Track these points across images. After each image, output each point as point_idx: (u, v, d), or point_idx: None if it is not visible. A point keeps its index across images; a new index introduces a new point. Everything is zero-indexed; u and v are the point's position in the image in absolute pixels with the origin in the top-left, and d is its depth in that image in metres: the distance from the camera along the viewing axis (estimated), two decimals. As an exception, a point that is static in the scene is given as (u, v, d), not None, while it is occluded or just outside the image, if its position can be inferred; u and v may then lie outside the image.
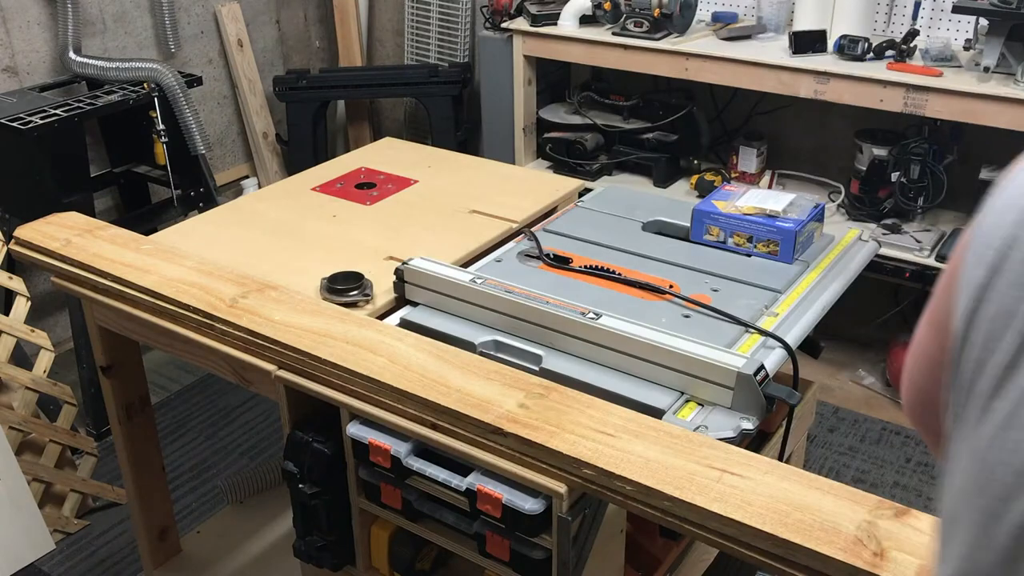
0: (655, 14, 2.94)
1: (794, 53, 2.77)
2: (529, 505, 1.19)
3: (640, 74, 3.09)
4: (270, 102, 3.92)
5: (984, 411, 0.64)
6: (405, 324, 1.56)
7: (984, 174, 2.63)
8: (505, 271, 1.66)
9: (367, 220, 1.93)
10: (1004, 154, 2.94)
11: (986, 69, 2.50)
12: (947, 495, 0.69)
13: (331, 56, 4.22)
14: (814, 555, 1.01)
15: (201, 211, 2.72)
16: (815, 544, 1.01)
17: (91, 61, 3.07)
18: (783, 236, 1.68)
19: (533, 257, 1.72)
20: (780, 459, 1.62)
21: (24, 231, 1.77)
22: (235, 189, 3.90)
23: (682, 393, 1.36)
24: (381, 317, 1.59)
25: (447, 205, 1.99)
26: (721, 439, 1.24)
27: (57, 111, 2.73)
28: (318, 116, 3.78)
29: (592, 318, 1.42)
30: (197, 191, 3.12)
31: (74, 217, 1.84)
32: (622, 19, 3.02)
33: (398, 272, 1.62)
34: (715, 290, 1.59)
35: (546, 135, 3.36)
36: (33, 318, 2.61)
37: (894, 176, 2.81)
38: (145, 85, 2.96)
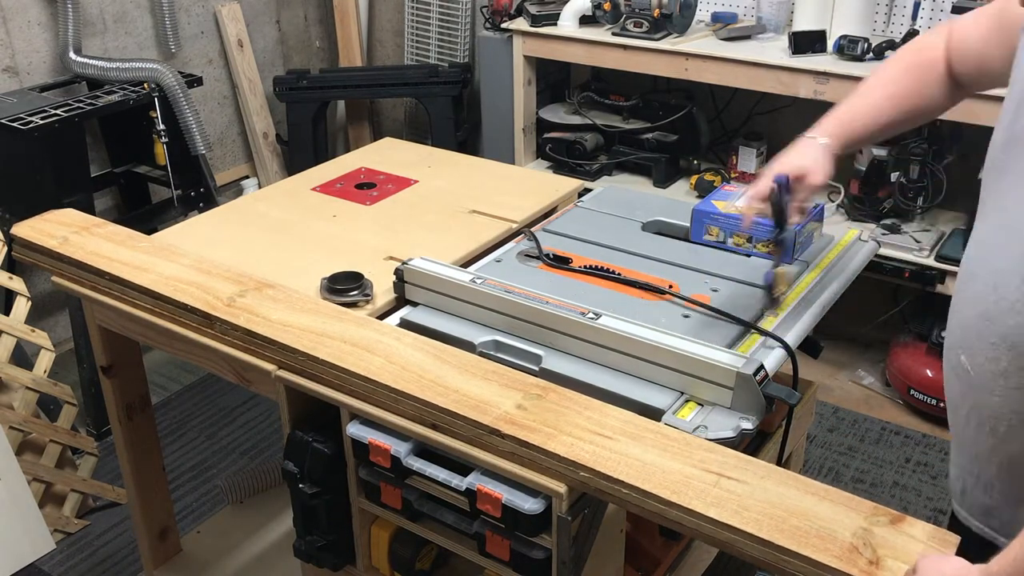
0: (655, 14, 2.94)
1: (794, 53, 2.77)
2: (529, 505, 1.19)
3: (640, 74, 3.09)
4: (270, 102, 3.92)
5: None
6: (405, 324, 1.56)
7: (983, 174, 2.62)
8: (505, 271, 1.66)
9: (367, 220, 1.93)
10: (1004, 154, 2.92)
11: (986, 69, 2.50)
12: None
13: (331, 56, 4.22)
14: (809, 562, 1.01)
15: (201, 211, 2.72)
16: (811, 551, 1.01)
17: (91, 61, 3.07)
18: (783, 236, 1.68)
19: (533, 257, 1.72)
20: (779, 459, 1.62)
21: (21, 228, 1.77)
22: (235, 189, 3.90)
23: (682, 393, 1.36)
24: (381, 317, 1.59)
25: (447, 205, 1.99)
26: (721, 439, 1.24)
27: (57, 111, 2.73)
28: (318, 116, 3.78)
29: (592, 318, 1.42)
30: (197, 191, 3.12)
31: (71, 214, 1.83)
32: (622, 19, 3.02)
33: (398, 272, 1.62)
34: (715, 290, 1.59)
35: (546, 135, 3.37)
36: (33, 318, 2.61)
37: (894, 176, 2.81)
38: (145, 85, 2.96)
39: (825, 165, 1.39)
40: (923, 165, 2.77)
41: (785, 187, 1.38)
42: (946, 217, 2.92)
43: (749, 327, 1.48)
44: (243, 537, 2.16)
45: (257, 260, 1.75)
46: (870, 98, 1.40)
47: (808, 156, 1.40)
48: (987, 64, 1.28)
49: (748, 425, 1.29)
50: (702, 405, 1.34)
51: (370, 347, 1.39)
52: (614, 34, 3.03)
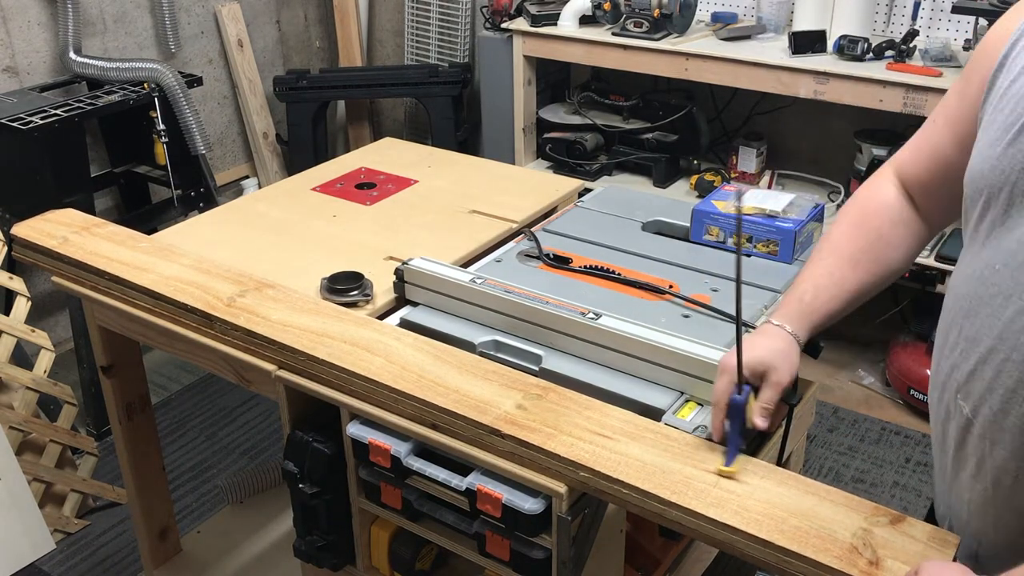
0: (655, 14, 2.94)
1: (794, 53, 2.77)
2: (529, 505, 1.19)
3: (640, 74, 3.10)
4: (270, 102, 3.92)
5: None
6: (405, 324, 1.56)
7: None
8: (505, 271, 1.66)
9: (367, 220, 1.93)
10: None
11: (986, 69, 2.50)
12: None
13: (331, 56, 4.22)
14: (809, 563, 1.01)
15: (201, 211, 2.72)
16: (811, 552, 1.01)
17: (91, 61, 3.07)
18: (783, 236, 1.68)
19: (533, 257, 1.72)
20: (779, 459, 1.62)
21: (21, 228, 1.77)
22: (235, 189, 3.90)
23: (682, 393, 1.36)
24: (381, 317, 1.59)
25: (447, 205, 1.99)
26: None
27: (57, 111, 2.73)
28: (318, 116, 3.78)
29: (592, 318, 1.42)
30: (197, 191, 3.12)
31: (71, 214, 1.83)
32: (622, 19, 3.02)
33: (398, 272, 1.62)
34: (715, 290, 1.59)
35: (546, 135, 3.37)
36: (33, 318, 2.61)
37: (894, 176, 2.81)
38: (145, 85, 2.97)
39: (791, 359, 1.22)
40: (923, 165, 2.76)
41: (744, 403, 1.19)
42: (946, 217, 2.91)
43: (749, 327, 1.47)
44: (243, 537, 2.16)
45: (257, 260, 1.75)
46: (823, 267, 1.26)
47: (771, 350, 1.21)
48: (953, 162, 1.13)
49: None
50: (702, 405, 1.34)
51: (370, 347, 1.39)
52: (614, 34, 3.03)
